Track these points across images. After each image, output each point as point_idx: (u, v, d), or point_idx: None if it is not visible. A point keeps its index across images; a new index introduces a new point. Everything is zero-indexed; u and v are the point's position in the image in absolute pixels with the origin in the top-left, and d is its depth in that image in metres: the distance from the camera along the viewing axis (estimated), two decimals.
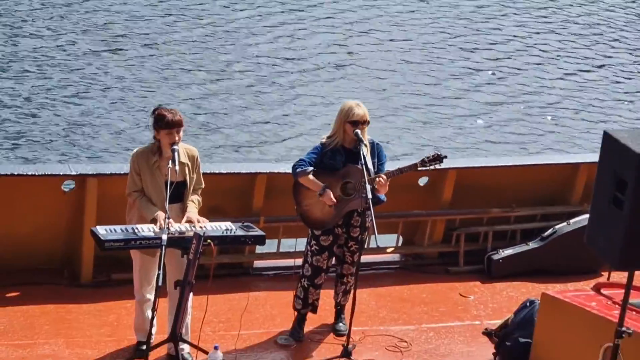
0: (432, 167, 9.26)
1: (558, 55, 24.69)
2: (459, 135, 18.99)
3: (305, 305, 9.26)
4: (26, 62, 21.23)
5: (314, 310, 9.33)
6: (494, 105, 20.74)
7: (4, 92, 19.61)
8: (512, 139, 19.07)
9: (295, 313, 9.33)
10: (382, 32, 25.57)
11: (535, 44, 25.23)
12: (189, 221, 8.35)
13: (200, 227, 8.30)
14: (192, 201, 8.54)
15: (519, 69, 23.26)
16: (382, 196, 8.88)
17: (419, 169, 9.40)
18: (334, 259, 9.28)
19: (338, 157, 8.94)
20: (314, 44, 24.04)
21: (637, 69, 23.98)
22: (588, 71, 23.55)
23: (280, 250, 10.56)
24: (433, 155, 9.06)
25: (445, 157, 9.18)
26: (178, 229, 8.23)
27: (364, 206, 8.68)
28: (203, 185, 8.71)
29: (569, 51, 25.33)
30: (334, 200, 8.77)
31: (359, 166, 8.71)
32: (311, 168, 8.86)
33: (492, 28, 26.38)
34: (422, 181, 10.79)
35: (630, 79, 23.29)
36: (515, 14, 28.88)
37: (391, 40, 25.18)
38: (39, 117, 18.34)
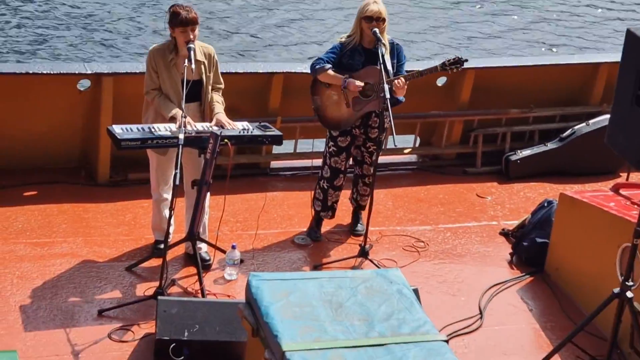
0: (452, 70, 9.20)
1: None
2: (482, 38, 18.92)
3: (325, 208, 9.32)
4: None
5: (333, 214, 9.41)
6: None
7: None
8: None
9: (313, 213, 9.39)
10: None
11: None
12: (219, 123, 8.37)
13: (223, 127, 8.34)
14: (218, 102, 8.55)
15: None
16: (401, 97, 8.82)
17: (439, 71, 9.34)
18: (351, 160, 9.28)
19: (357, 57, 8.88)
20: None
21: None
22: None
23: (298, 150, 10.57)
24: (454, 59, 8.98)
25: (466, 60, 9.10)
26: (195, 128, 8.24)
27: (382, 107, 8.65)
28: (222, 85, 8.70)
29: None
30: (361, 84, 8.74)
31: (377, 67, 8.64)
32: (329, 65, 8.81)
33: None
34: (441, 81, 10.74)
35: None
36: None
37: None
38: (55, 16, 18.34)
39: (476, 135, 10.96)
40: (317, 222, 9.43)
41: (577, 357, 8.08)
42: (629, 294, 7.64)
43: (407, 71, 8.90)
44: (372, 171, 9.09)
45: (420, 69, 8.94)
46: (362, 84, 8.73)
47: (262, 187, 10.09)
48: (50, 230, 9.08)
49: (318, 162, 9.83)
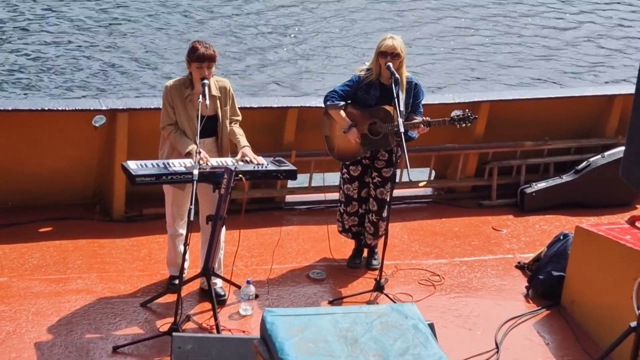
0: (461, 125, 9.23)
1: None
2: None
3: (344, 229, 9.42)
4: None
5: (355, 237, 9.44)
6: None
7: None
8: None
9: (349, 240, 9.51)
10: None
11: None
12: (244, 156, 8.43)
13: (237, 161, 8.37)
14: (241, 134, 8.62)
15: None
16: (414, 133, 8.85)
17: (447, 124, 9.40)
18: (365, 190, 9.30)
19: (372, 91, 8.93)
20: None
21: None
22: None
23: (312, 184, 10.57)
24: (463, 115, 9.03)
25: (476, 117, 9.22)
26: (212, 165, 8.26)
27: (385, 147, 8.80)
28: (240, 117, 8.74)
29: None
30: (358, 139, 8.83)
31: (394, 104, 8.65)
32: (343, 103, 8.87)
33: None
34: (455, 114, 10.77)
35: None
36: None
37: None
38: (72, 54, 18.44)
39: (491, 167, 10.95)
40: (356, 251, 9.51)
41: None
42: None
43: (422, 112, 9.00)
44: (376, 207, 9.21)
45: (429, 119, 8.96)
46: (358, 140, 8.84)
47: (277, 221, 10.08)
48: (65, 266, 9.08)
49: (331, 195, 10.01)
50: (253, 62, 18.03)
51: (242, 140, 8.52)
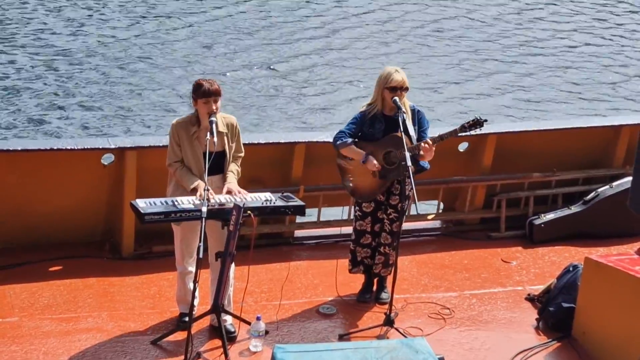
0: (472, 132, 9.24)
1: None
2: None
3: (355, 264, 9.38)
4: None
5: (366, 271, 9.42)
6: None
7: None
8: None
9: (360, 276, 9.49)
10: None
11: None
12: (229, 192, 8.37)
13: (240, 198, 8.32)
14: (232, 172, 8.57)
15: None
16: (426, 164, 8.90)
17: (459, 134, 9.36)
18: (378, 225, 9.26)
19: (377, 125, 8.94)
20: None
21: None
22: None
23: (321, 219, 10.58)
24: (473, 120, 9.02)
25: (485, 120, 9.13)
26: (218, 201, 8.25)
27: (403, 175, 8.71)
28: (243, 153, 8.74)
29: None
30: (378, 165, 8.80)
31: (399, 134, 8.68)
32: (351, 140, 8.90)
33: None
34: (462, 147, 10.77)
35: None
36: None
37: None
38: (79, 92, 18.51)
39: (499, 199, 10.96)
40: (366, 285, 9.50)
41: None
42: None
43: (429, 139, 8.91)
44: (390, 241, 9.17)
45: (441, 133, 8.99)
46: (378, 166, 8.81)
47: (286, 257, 10.10)
48: (75, 305, 9.07)
49: (346, 229, 9.90)
50: (257, 97, 18.08)
51: (230, 176, 8.55)
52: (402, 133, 8.66)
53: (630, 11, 26.62)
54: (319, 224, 10.58)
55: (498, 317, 9.40)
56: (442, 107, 17.94)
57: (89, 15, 22.93)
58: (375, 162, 8.77)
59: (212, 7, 23.24)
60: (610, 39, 22.51)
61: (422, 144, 8.73)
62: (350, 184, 9.12)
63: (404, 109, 8.78)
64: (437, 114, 17.28)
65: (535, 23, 24.14)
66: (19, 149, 9.82)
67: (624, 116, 13.10)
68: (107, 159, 9.85)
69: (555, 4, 26.38)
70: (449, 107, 18.05)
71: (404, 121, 8.71)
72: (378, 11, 23.67)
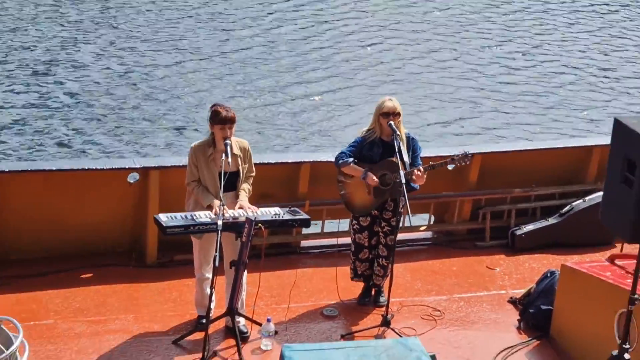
0: (461, 164, 9.42)
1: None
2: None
3: (356, 275, 9.41)
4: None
5: (366, 280, 9.42)
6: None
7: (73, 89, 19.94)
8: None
9: (359, 283, 9.49)
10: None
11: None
12: (241, 208, 8.37)
13: (252, 213, 8.33)
14: (244, 190, 8.56)
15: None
16: (416, 185, 8.87)
17: (450, 166, 9.66)
18: (375, 238, 9.28)
19: (375, 149, 8.94)
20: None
21: None
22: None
23: (325, 230, 10.57)
24: (462, 155, 9.16)
25: (472, 155, 9.39)
26: (232, 215, 8.26)
27: (397, 195, 8.75)
28: (254, 173, 8.72)
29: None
30: (376, 179, 8.80)
31: (395, 159, 8.70)
32: (351, 159, 8.90)
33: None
34: (451, 166, 10.77)
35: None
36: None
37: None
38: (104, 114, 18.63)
39: (484, 212, 10.94)
40: (365, 289, 9.49)
41: None
42: (626, 356, 7.58)
43: (421, 165, 8.97)
44: (385, 253, 9.17)
45: (432, 163, 9.09)
46: (377, 180, 8.79)
47: (293, 264, 10.05)
48: (104, 308, 9.07)
49: (343, 240, 9.98)
50: (267, 121, 18.09)
51: (242, 194, 8.54)
52: (398, 158, 8.67)
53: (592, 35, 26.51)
54: (323, 234, 10.55)
55: (483, 318, 9.39)
56: (432, 129, 17.89)
57: (112, 45, 22.92)
58: (374, 177, 8.77)
59: (223, 39, 23.14)
60: (578, 67, 22.42)
61: (416, 171, 8.77)
62: (346, 199, 9.14)
63: (398, 132, 8.79)
64: (427, 135, 17.29)
65: (512, 54, 24.07)
66: (54, 169, 9.86)
67: (596, 137, 13.04)
68: (133, 177, 9.83)
69: (527, 35, 26.31)
70: (439, 129, 18.01)
71: (399, 147, 8.72)
72: (375, 44, 23.61)
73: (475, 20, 27.05)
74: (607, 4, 29.01)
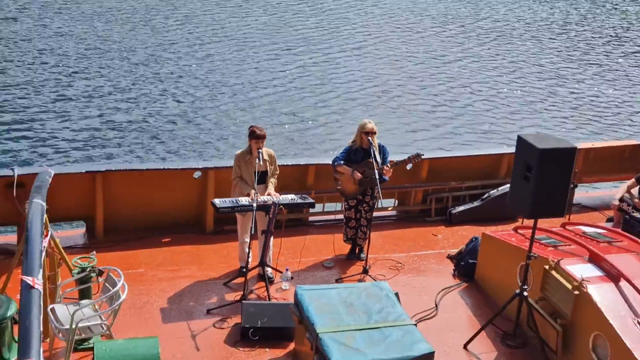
0: (415, 161, 9.45)
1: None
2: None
3: (347, 239, 9.40)
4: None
5: (352, 242, 9.44)
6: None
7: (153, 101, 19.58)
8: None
9: (348, 245, 9.49)
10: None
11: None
12: (269, 195, 8.41)
13: (276, 198, 8.38)
14: (271, 182, 8.59)
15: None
16: (386, 178, 8.88)
17: (408, 165, 9.81)
18: (358, 214, 9.28)
19: (358, 154, 8.95)
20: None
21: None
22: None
23: (325, 210, 10.56)
24: (415, 155, 9.16)
25: (423, 154, 9.35)
26: (263, 200, 8.29)
27: (374, 185, 8.77)
28: (278, 172, 8.75)
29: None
30: (360, 175, 8.82)
31: (371, 160, 8.74)
32: (343, 162, 8.93)
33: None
34: (409, 165, 10.78)
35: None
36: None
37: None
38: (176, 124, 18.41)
39: (431, 198, 10.91)
40: (352, 249, 9.51)
41: (495, 332, 8.05)
42: (525, 293, 7.67)
43: (390, 161, 8.95)
44: (365, 223, 9.19)
45: (395, 160, 9.06)
46: (360, 175, 8.81)
47: (303, 233, 10.03)
48: (178, 262, 9.10)
49: (338, 216, 10.03)
50: (286, 135, 18.04)
51: (270, 186, 8.54)
52: (373, 160, 8.71)
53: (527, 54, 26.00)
54: (324, 212, 10.54)
55: (430, 268, 9.43)
56: (397, 139, 17.77)
57: (182, 77, 22.07)
58: (358, 173, 8.80)
59: (262, 78, 22.45)
60: (500, 95, 22.17)
61: (385, 167, 8.78)
62: (340, 188, 9.13)
63: (374, 145, 8.81)
64: (393, 144, 17.28)
65: (453, 80, 23.36)
66: (144, 168, 9.96)
67: (506, 148, 12.98)
68: (197, 174, 9.84)
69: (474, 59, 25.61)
70: (401, 139, 17.89)
71: (374, 152, 8.74)
72: (358, 72, 23.27)
73: (427, 52, 26.37)
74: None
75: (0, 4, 29.01)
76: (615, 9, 36.12)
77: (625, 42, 30.22)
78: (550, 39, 29.82)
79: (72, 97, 19.30)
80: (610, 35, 30.60)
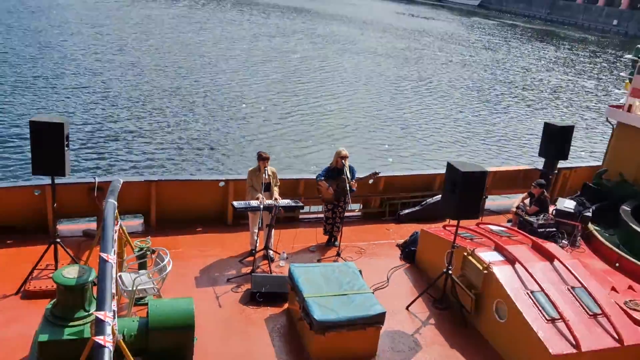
0: (373, 178, 9.45)
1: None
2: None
3: (326, 231, 9.30)
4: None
5: (329, 234, 9.34)
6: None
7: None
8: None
9: (326, 236, 9.36)
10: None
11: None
12: (276, 199, 8.36)
13: (277, 202, 8.35)
14: (275, 191, 8.54)
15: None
16: (354, 189, 8.81)
17: (370, 181, 9.67)
18: (334, 214, 9.20)
19: (335, 172, 8.88)
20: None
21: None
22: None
23: (311, 210, 10.42)
24: (374, 173, 9.11)
25: (379, 172, 9.30)
26: (267, 203, 8.24)
27: (345, 195, 8.76)
28: (279, 183, 8.69)
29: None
30: (332, 191, 8.80)
31: (344, 177, 8.71)
32: (323, 178, 8.86)
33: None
34: (370, 181, 10.78)
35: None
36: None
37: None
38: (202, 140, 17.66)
39: (386, 203, 10.80)
40: (329, 239, 9.39)
41: (428, 298, 8.02)
42: (450, 272, 7.70)
43: (356, 178, 8.88)
44: (339, 221, 9.11)
45: (360, 177, 8.97)
46: (332, 191, 8.74)
47: (295, 226, 9.88)
48: (206, 245, 8.92)
49: (320, 215, 9.86)
50: (285, 155, 17.60)
51: (275, 192, 8.47)
52: (345, 177, 8.68)
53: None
54: (310, 212, 10.39)
55: (384, 253, 9.33)
56: (364, 160, 17.45)
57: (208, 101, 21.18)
58: (332, 189, 8.75)
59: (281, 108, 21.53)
60: (435, 127, 21.60)
61: (353, 182, 8.73)
62: (321, 196, 9.04)
63: (346, 166, 8.76)
64: (359, 163, 16.97)
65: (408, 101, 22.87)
66: (184, 179, 9.76)
67: (439, 169, 12.96)
68: (221, 184, 9.67)
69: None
70: (368, 160, 17.51)
71: (346, 172, 8.71)
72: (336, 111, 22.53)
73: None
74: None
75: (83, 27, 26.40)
76: (528, 55, 33.94)
77: (527, 87, 29.48)
78: (469, 87, 29.02)
79: (139, 127, 18.65)
80: (516, 82, 29.55)
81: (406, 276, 8.68)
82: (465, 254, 7.70)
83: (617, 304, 7.20)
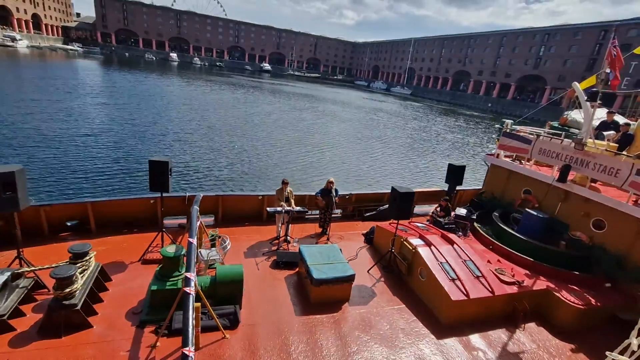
0: (347, 197, 9.29)
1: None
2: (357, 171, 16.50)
3: (320, 225, 9.07)
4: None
5: (323, 227, 8.94)
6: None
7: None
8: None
9: (321, 229, 9.10)
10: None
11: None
12: (292, 206, 8.41)
13: (292, 208, 8.41)
14: (292, 201, 8.54)
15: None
16: (337, 202, 8.79)
17: (346, 196, 9.42)
18: (326, 216, 8.98)
19: (326, 192, 8.89)
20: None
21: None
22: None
23: (312, 213, 9.78)
24: (349, 194, 9.14)
25: (351, 193, 9.16)
26: (287, 208, 8.34)
27: (332, 206, 8.76)
28: (294, 197, 8.71)
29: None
30: (323, 202, 8.76)
31: (332, 194, 8.78)
32: (319, 195, 8.86)
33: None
34: (347, 196, 10.08)
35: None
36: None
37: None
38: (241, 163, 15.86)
39: (357, 210, 10.14)
40: (322, 231, 9.03)
41: (380, 266, 8.12)
42: (393, 250, 7.89)
43: (339, 195, 8.89)
44: (329, 219, 9.00)
45: (342, 194, 8.91)
46: (323, 203, 8.59)
47: (303, 223, 9.44)
48: (250, 233, 8.56)
49: (316, 215, 9.61)
50: (297, 179, 15.02)
51: (292, 202, 8.41)
52: (332, 195, 8.77)
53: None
54: (311, 214, 9.76)
55: (354, 239, 9.13)
56: (343, 183, 15.31)
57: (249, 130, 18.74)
58: (323, 202, 8.65)
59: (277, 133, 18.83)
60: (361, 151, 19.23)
61: (336, 198, 8.75)
62: (318, 206, 8.92)
63: (333, 188, 8.87)
64: (341, 183, 15.05)
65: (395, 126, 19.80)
66: (237, 194, 9.18)
67: (387, 190, 12.10)
68: (258, 198, 9.20)
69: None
70: (346, 183, 15.32)
71: (332, 192, 8.75)
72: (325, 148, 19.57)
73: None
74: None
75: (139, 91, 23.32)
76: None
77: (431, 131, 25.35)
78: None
79: (213, 164, 15.91)
80: (431, 139, 25.98)
81: (367, 253, 8.65)
82: (402, 240, 8.14)
83: (491, 271, 7.55)
